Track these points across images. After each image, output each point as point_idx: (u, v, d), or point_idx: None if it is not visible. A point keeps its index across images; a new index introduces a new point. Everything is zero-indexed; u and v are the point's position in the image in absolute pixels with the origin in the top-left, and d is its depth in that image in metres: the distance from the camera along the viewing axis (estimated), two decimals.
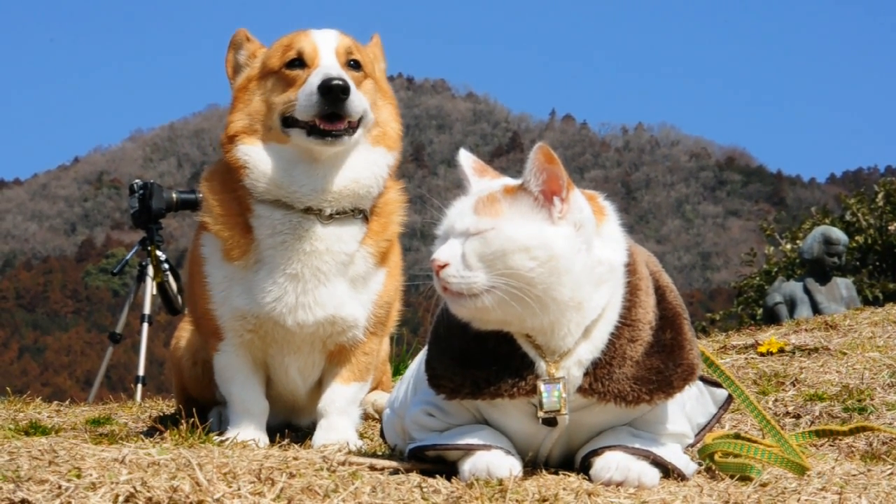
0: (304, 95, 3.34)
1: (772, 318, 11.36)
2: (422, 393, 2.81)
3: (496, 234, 2.54)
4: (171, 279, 7.96)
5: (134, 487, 2.24)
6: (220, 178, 3.52)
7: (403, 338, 5.95)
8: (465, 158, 2.76)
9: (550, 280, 2.53)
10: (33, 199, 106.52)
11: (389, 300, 3.61)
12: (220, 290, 3.47)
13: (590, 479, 2.63)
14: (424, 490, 2.47)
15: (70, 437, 3.45)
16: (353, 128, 3.37)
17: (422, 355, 2.94)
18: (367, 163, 3.44)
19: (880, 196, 18.82)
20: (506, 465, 2.58)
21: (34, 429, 3.70)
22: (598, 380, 2.61)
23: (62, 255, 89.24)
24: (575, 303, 2.57)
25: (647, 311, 2.66)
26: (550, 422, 2.63)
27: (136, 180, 7.93)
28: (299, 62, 3.42)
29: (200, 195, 3.62)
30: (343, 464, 2.68)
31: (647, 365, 2.62)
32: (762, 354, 5.44)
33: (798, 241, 17.45)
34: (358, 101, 3.35)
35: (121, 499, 2.21)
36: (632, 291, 2.66)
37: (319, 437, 3.45)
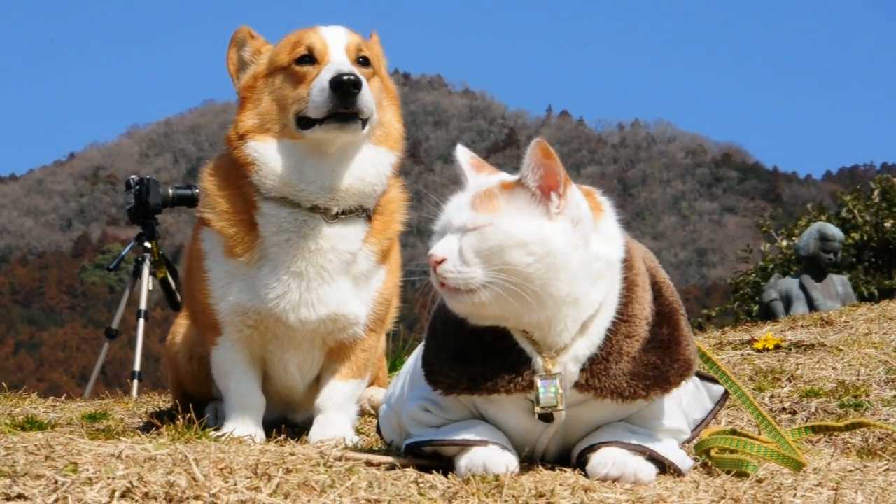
0: (315, 91, 3.30)
1: (768, 315, 11.39)
2: (418, 389, 2.81)
3: (493, 229, 2.54)
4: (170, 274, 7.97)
5: (130, 482, 2.24)
6: (224, 174, 3.49)
7: (399, 334, 5.95)
8: (463, 154, 2.76)
9: (547, 275, 2.53)
10: (29, 194, 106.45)
11: (389, 297, 3.61)
12: (220, 286, 3.46)
13: (586, 475, 2.63)
14: (421, 486, 2.47)
15: (66, 432, 3.44)
16: (363, 121, 3.36)
17: (418, 351, 2.94)
18: (371, 161, 3.43)
19: (876, 193, 18.85)
20: (502, 460, 2.58)
21: (30, 424, 3.69)
22: (594, 375, 2.60)
23: (58, 251, 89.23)
24: (572, 298, 2.57)
25: (644, 307, 2.65)
26: (547, 417, 2.63)
27: (133, 176, 7.93)
28: (309, 58, 3.38)
29: (197, 191, 3.60)
30: (340, 459, 2.69)
31: (644, 361, 2.62)
32: (758, 351, 5.45)
33: (794, 238, 17.48)
34: (369, 96, 3.33)
35: (117, 494, 2.21)
36: (629, 287, 2.65)
37: (316, 433, 3.45)
